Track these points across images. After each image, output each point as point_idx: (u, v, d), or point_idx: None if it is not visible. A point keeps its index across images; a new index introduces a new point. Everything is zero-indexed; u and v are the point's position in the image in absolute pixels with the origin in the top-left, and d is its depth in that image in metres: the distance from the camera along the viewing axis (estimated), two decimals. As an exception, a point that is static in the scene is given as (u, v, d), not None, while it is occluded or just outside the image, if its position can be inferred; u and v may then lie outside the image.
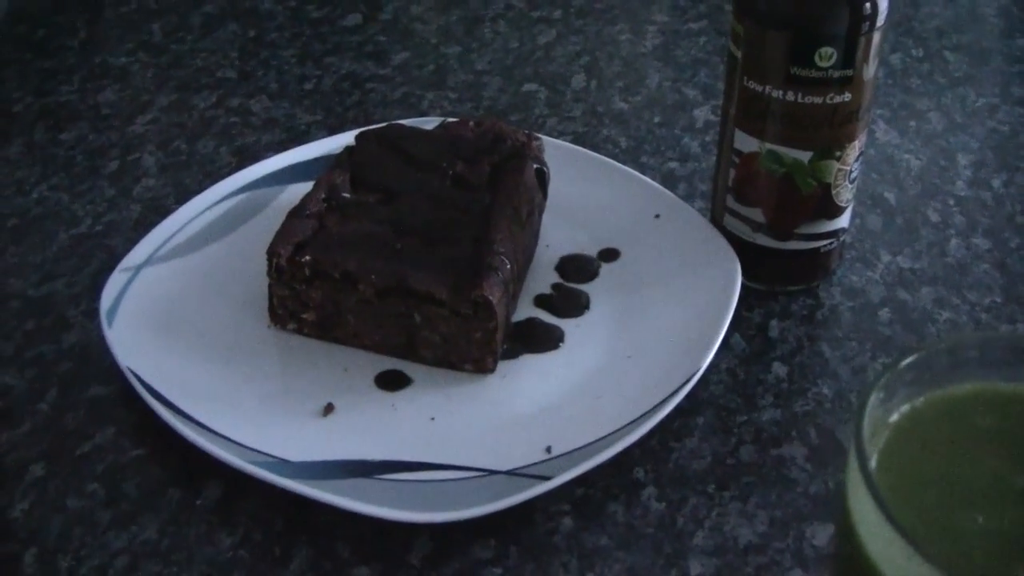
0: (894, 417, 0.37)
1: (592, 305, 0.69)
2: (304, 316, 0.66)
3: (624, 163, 0.81)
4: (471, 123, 0.75)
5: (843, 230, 0.71)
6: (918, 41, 1.01)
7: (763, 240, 0.70)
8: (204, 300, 0.69)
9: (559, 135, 0.86)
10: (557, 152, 0.78)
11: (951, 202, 0.81)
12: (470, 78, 0.95)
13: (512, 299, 0.66)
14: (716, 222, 0.72)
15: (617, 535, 0.57)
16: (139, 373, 0.63)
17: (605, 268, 0.72)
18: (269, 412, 0.62)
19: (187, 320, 0.68)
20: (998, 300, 0.72)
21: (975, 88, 0.94)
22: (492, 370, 0.64)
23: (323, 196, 0.68)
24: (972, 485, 0.35)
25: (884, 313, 0.71)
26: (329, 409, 0.62)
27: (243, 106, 0.92)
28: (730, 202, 0.70)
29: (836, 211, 0.69)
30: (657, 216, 0.74)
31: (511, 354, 0.66)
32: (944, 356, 0.37)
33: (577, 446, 0.58)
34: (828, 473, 0.60)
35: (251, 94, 0.94)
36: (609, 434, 0.59)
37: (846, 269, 0.74)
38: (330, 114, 0.91)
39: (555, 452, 0.58)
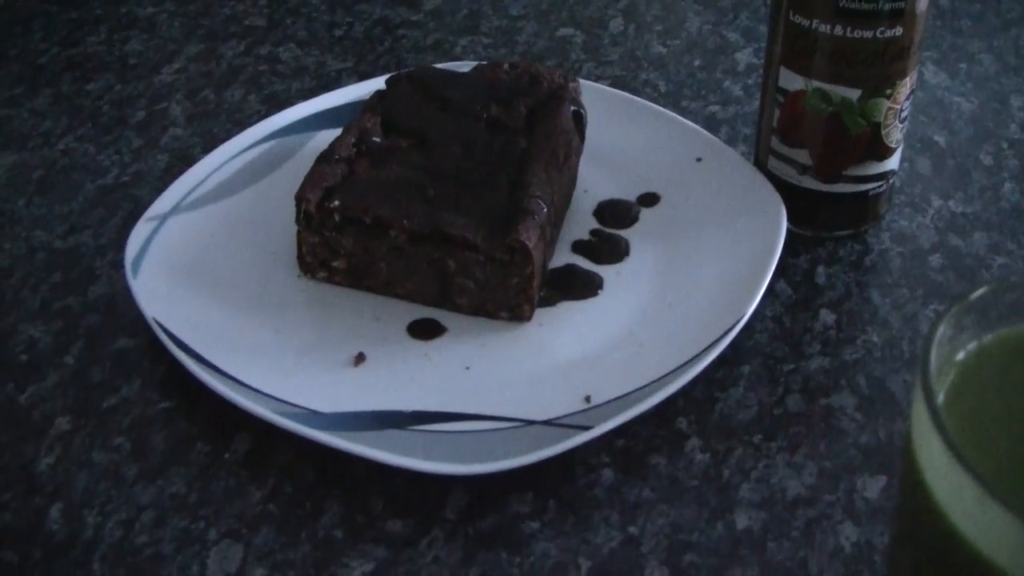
0: (960, 355, 0.35)
1: (631, 251, 0.67)
2: (334, 264, 0.64)
3: (664, 107, 0.79)
4: (505, 65, 0.72)
5: (892, 172, 0.68)
6: (968, -19, 0.98)
7: (810, 183, 0.67)
8: (232, 249, 0.67)
9: (597, 79, 0.83)
10: (595, 95, 0.75)
11: (1004, 145, 0.78)
12: (504, 23, 0.92)
13: (549, 245, 0.64)
14: (760, 165, 0.70)
15: (660, 488, 0.55)
16: (165, 324, 0.61)
17: (645, 213, 0.69)
18: (299, 363, 0.60)
19: (214, 270, 0.66)
20: (1056, 245, 0.69)
21: (1028, 28, 0.91)
22: (529, 318, 0.62)
23: (353, 141, 0.66)
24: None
25: (935, 259, 0.68)
26: (360, 359, 0.60)
27: (272, 54, 0.90)
28: (775, 144, 0.67)
29: (886, 152, 0.66)
30: (699, 159, 0.71)
31: (548, 301, 0.64)
32: (1013, 292, 0.35)
33: (617, 395, 0.56)
34: (879, 423, 0.58)
35: (280, 42, 0.91)
36: (650, 383, 0.57)
37: (895, 214, 0.71)
38: (361, 61, 0.88)
39: (595, 402, 0.56)
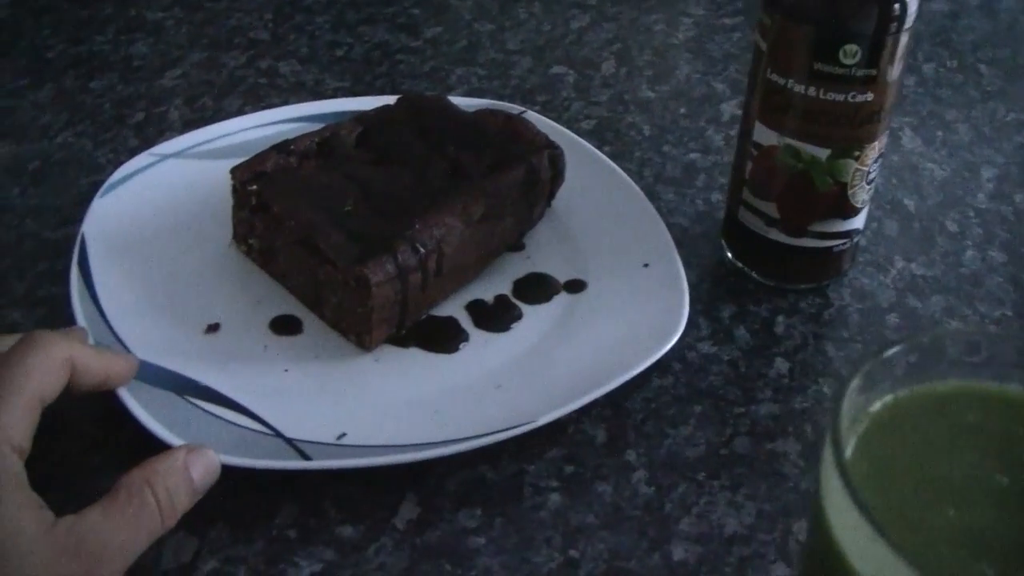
0: (875, 407, 0.37)
1: (519, 327, 0.67)
2: (250, 242, 0.69)
3: (646, 151, 0.82)
4: (503, 116, 0.74)
5: (857, 231, 0.70)
6: (953, 52, 1.01)
7: (776, 235, 0.69)
8: (196, 203, 0.73)
9: (584, 119, 0.86)
10: (590, 168, 0.77)
11: (971, 213, 0.80)
12: (500, 56, 0.95)
13: (425, 290, 0.65)
14: (731, 214, 0.72)
15: (603, 515, 0.57)
16: (87, 243, 0.68)
17: (562, 297, 0.70)
18: (164, 314, 0.66)
19: (171, 215, 0.73)
20: (1008, 313, 0.72)
21: (1006, 103, 0.94)
22: (369, 349, 0.65)
23: (317, 140, 0.70)
24: (948, 480, 0.35)
25: (892, 318, 0.70)
26: (213, 329, 0.65)
27: (272, 68, 0.93)
28: (746, 195, 0.70)
29: (851, 211, 0.68)
30: (646, 265, 0.70)
31: (401, 342, 0.66)
32: (929, 349, 0.37)
33: (368, 443, 0.58)
34: (820, 471, 0.60)
35: (281, 57, 0.94)
36: (400, 445, 0.58)
37: (858, 271, 0.74)
38: (358, 82, 0.91)
39: (346, 441, 0.58)
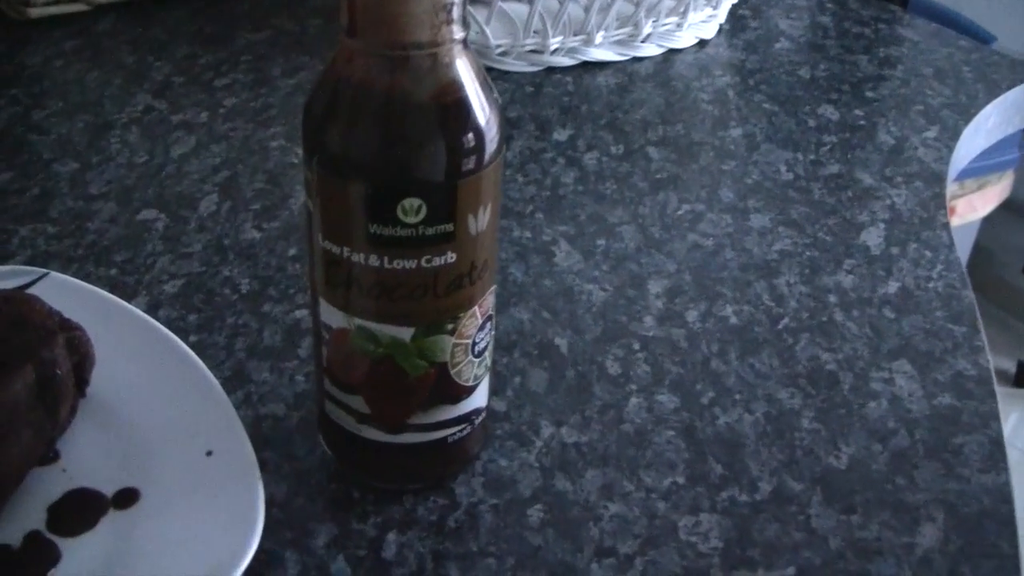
0: None
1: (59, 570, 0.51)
2: None
3: (241, 313, 0.66)
4: (0, 299, 0.57)
5: (478, 411, 0.56)
6: (619, 135, 0.88)
7: (372, 433, 0.55)
8: None
9: (169, 279, 0.70)
10: (132, 341, 0.60)
11: (636, 346, 0.67)
12: (79, 205, 0.77)
13: None
14: (320, 407, 0.57)
15: None
16: None
17: (111, 516, 0.53)
18: None
19: None
20: (680, 481, 0.59)
21: (679, 192, 0.82)
22: None
23: None
24: None
25: (535, 512, 0.56)
26: None
27: None
28: (328, 386, 0.55)
29: (461, 393, 0.54)
30: (209, 453, 0.55)
31: None
32: None
33: None
34: None
35: None
36: None
37: (495, 451, 0.59)
38: None
39: None
